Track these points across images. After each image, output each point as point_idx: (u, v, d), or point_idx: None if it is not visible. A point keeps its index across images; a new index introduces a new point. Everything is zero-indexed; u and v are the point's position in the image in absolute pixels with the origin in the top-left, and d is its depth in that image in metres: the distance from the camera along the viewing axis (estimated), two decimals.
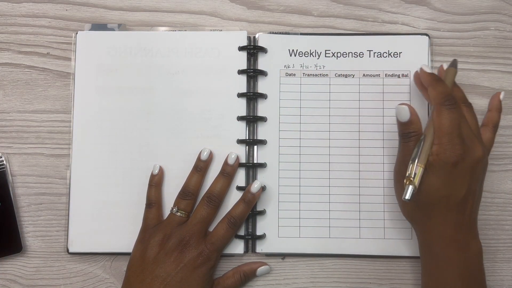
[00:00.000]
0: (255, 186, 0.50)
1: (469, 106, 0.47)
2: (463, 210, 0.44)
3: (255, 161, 0.52)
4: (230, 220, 0.49)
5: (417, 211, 0.46)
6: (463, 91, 0.48)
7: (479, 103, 0.54)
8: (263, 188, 0.51)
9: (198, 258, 0.47)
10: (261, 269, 0.51)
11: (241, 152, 0.52)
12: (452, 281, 0.44)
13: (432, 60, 0.54)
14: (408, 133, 0.45)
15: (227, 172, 0.51)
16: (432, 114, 0.45)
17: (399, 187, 0.46)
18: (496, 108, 0.50)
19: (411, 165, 0.43)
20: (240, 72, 0.53)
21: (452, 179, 0.43)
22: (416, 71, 0.49)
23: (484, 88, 0.54)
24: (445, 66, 0.49)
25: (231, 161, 0.51)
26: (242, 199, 0.50)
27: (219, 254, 0.49)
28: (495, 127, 0.49)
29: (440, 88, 0.45)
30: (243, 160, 0.52)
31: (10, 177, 0.53)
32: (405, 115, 0.45)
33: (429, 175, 0.43)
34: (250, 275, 0.51)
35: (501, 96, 0.50)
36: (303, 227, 0.52)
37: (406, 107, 0.45)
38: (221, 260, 0.52)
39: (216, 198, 0.50)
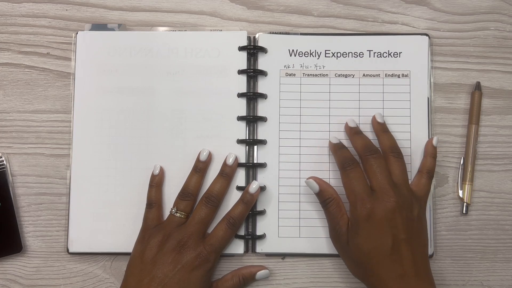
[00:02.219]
0: (253, 187, 0.50)
1: (398, 155, 0.48)
2: (400, 261, 0.44)
3: (255, 161, 0.52)
4: (229, 221, 0.49)
5: (358, 270, 0.46)
6: (394, 139, 0.50)
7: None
8: (262, 188, 0.51)
9: (196, 260, 0.47)
10: (260, 273, 0.51)
11: (241, 152, 0.52)
12: None
13: (432, 60, 0.54)
14: (325, 201, 0.48)
15: (226, 173, 0.51)
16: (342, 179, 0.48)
17: (339, 250, 0.48)
18: (430, 154, 0.51)
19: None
20: (240, 72, 0.53)
21: (371, 234, 0.44)
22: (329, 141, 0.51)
23: (484, 88, 0.54)
24: (377, 118, 0.51)
25: (229, 161, 0.51)
26: (241, 200, 0.50)
27: (218, 255, 0.49)
28: (429, 172, 0.50)
29: (341, 153, 0.49)
30: (243, 160, 0.52)
31: (10, 177, 0.53)
32: (315, 187, 0.48)
33: (351, 233, 0.45)
34: (249, 278, 0.51)
35: (434, 142, 0.51)
36: (303, 227, 0.52)
37: (311, 180, 0.49)
38: (221, 260, 0.52)
39: (214, 198, 0.50)
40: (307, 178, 0.49)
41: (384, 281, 0.44)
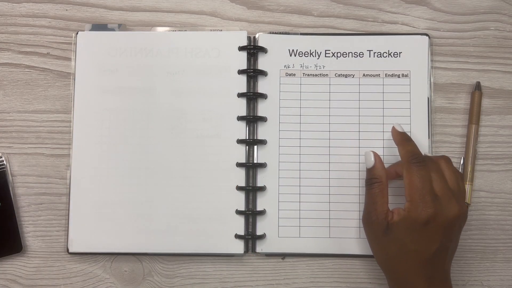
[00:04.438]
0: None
1: (448, 160, 0.47)
2: (435, 265, 0.44)
3: (255, 161, 0.52)
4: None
5: (388, 262, 0.45)
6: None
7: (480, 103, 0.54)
8: (262, 188, 0.51)
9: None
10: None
11: (241, 152, 0.52)
12: None
13: (432, 60, 0.54)
14: (371, 179, 0.46)
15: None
16: (403, 173, 0.45)
17: (370, 235, 0.46)
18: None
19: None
20: (240, 72, 0.53)
21: (422, 237, 0.43)
22: (392, 127, 0.48)
23: (484, 88, 0.54)
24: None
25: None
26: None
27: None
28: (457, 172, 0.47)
29: (408, 146, 0.46)
30: (243, 160, 0.52)
31: (10, 177, 0.53)
32: (370, 161, 0.47)
33: (399, 228, 0.44)
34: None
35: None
36: (303, 227, 0.52)
37: (371, 153, 0.47)
38: (220, 260, 0.52)
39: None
40: (368, 151, 0.47)
41: (412, 279, 0.43)
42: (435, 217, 0.43)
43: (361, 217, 0.50)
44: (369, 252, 0.51)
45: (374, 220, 0.45)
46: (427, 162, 0.45)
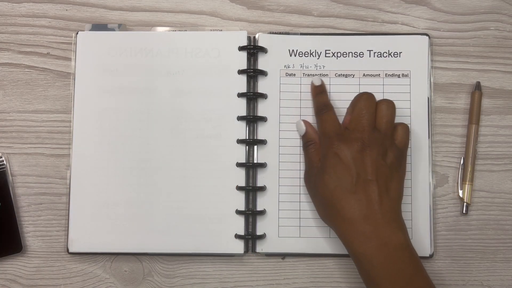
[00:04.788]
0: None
1: (389, 101, 0.48)
2: (365, 201, 0.44)
3: (255, 161, 0.52)
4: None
5: (326, 211, 0.47)
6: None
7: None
8: (262, 188, 0.51)
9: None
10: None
11: (241, 152, 0.52)
12: (379, 280, 0.43)
13: (432, 60, 0.54)
14: (306, 143, 0.51)
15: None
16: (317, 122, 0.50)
17: (310, 192, 0.50)
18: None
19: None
20: (240, 72, 0.53)
21: (337, 170, 0.45)
22: (311, 81, 0.53)
23: (484, 88, 0.54)
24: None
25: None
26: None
27: None
28: (389, 122, 0.48)
29: (317, 98, 0.52)
30: (243, 160, 0.52)
31: (10, 177, 0.53)
32: (302, 129, 0.51)
33: (320, 171, 0.47)
34: None
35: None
36: (303, 227, 0.52)
37: (301, 122, 0.51)
38: (220, 260, 0.52)
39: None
40: (298, 120, 0.52)
41: (349, 221, 0.44)
42: (340, 148, 0.46)
43: None
44: None
45: (310, 174, 0.49)
46: (354, 100, 0.49)
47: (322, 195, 0.46)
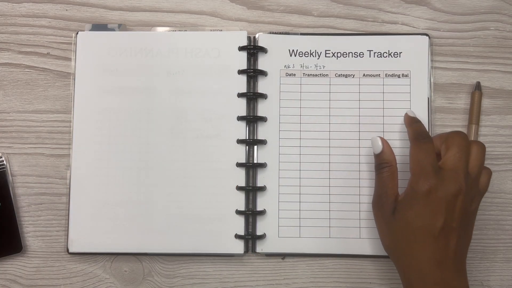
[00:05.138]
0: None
1: (481, 146, 0.46)
2: (444, 246, 0.43)
3: (255, 161, 0.52)
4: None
5: (396, 245, 0.45)
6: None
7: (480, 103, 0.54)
8: (262, 188, 0.51)
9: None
10: None
11: (241, 152, 0.52)
12: None
13: (432, 60, 0.54)
14: (381, 164, 0.47)
15: None
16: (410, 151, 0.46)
17: (379, 219, 0.46)
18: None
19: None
20: (240, 72, 0.53)
21: (425, 211, 0.43)
22: (405, 113, 0.50)
23: (484, 88, 0.54)
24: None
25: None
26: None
27: None
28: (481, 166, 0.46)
29: (415, 126, 0.48)
30: (243, 160, 0.52)
31: (10, 177, 0.53)
32: (378, 147, 0.47)
33: (404, 205, 0.44)
34: None
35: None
36: (303, 227, 0.52)
37: (378, 138, 0.47)
38: (220, 260, 0.52)
39: None
40: (375, 136, 0.48)
41: (420, 263, 0.43)
42: (436, 188, 0.43)
43: (361, 216, 0.51)
44: (369, 252, 0.51)
45: (384, 202, 0.45)
46: (448, 137, 0.45)
47: (400, 231, 0.44)
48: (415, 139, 0.46)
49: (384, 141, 0.47)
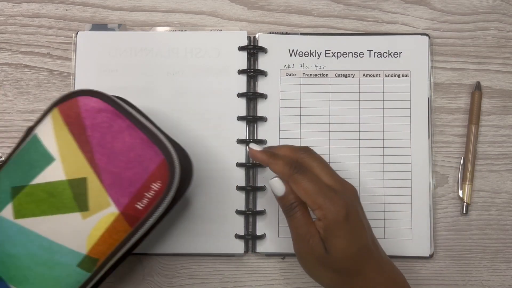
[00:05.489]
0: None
1: (309, 151, 0.44)
2: (377, 254, 0.42)
3: (255, 161, 0.52)
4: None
5: (344, 279, 0.41)
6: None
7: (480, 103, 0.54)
8: (261, 188, 0.51)
9: None
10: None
11: (241, 152, 0.52)
12: None
13: (432, 60, 0.54)
14: (290, 205, 0.42)
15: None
16: (292, 188, 0.42)
17: (313, 264, 0.42)
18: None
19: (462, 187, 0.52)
20: (240, 72, 0.53)
21: (353, 232, 0.40)
22: (249, 150, 0.46)
23: (484, 88, 0.54)
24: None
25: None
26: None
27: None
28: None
29: (280, 162, 0.43)
30: (243, 160, 0.52)
31: None
32: (280, 189, 0.42)
33: (330, 239, 0.40)
34: None
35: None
36: None
37: (278, 180, 0.42)
38: (220, 260, 0.52)
39: None
40: (271, 179, 0.43)
41: (372, 281, 0.41)
42: (347, 205, 0.40)
43: None
44: None
45: (312, 243, 0.41)
46: (301, 163, 0.42)
47: (341, 265, 0.41)
48: (291, 175, 0.41)
49: (281, 182, 0.42)
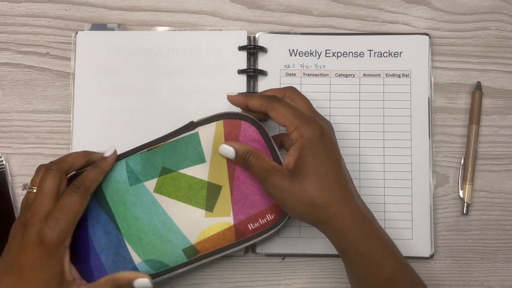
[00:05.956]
0: (108, 151, 0.46)
1: (294, 89, 0.47)
2: (348, 182, 0.44)
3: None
4: (76, 185, 0.43)
5: (314, 202, 0.42)
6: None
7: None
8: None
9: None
10: (139, 282, 0.43)
11: None
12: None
13: (432, 60, 0.54)
14: (244, 157, 0.44)
15: (100, 166, 0.45)
16: (271, 115, 0.44)
17: (280, 200, 0.43)
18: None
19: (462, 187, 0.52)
20: (240, 72, 0.53)
21: (327, 151, 0.43)
22: (228, 97, 0.47)
23: (485, 88, 0.54)
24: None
25: (107, 154, 0.46)
26: (95, 165, 0.45)
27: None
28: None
29: (256, 97, 0.45)
30: None
31: (9, 177, 0.53)
32: (230, 151, 0.45)
33: (308, 158, 0.42)
34: (124, 286, 0.43)
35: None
36: (303, 227, 0.52)
37: (224, 146, 0.45)
38: (220, 260, 0.52)
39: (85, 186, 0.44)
40: (221, 147, 0.45)
41: (342, 204, 0.42)
42: (322, 128, 0.43)
43: None
44: None
45: (272, 180, 0.42)
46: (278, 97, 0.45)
47: (312, 186, 0.42)
48: (269, 104, 0.44)
49: (229, 143, 0.45)
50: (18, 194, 0.53)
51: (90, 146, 0.52)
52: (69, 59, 0.55)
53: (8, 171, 0.53)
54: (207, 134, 0.47)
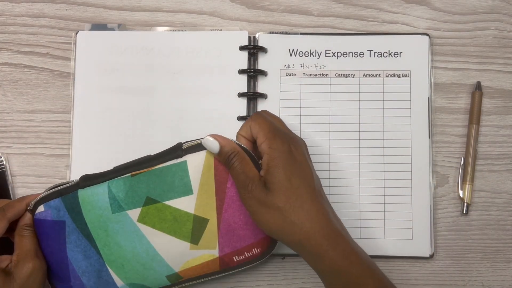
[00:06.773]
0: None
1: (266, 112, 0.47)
2: (323, 194, 0.43)
3: None
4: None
5: (284, 215, 0.41)
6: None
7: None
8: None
9: None
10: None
11: None
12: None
13: (432, 60, 0.54)
14: (228, 157, 0.43)
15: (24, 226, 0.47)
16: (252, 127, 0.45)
17: (256, 206, 0.42)
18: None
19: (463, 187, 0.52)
20: (241, 72, 0.53)
21: (296, 164, 0.42)
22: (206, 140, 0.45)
23: (485, 88, 0.54)
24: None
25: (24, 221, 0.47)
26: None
27: None
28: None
29: (230, 142, 0.44)
30: None
31: (10, 177, 0.53)
32: (215, 146, 0.43)
33: (274, 173, 0.41)
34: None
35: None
36: None
37: (209, 138, 0.44)
38: None
39: None
40: (205, 138, 0.44)
41: (315, 221, 0.41)
42: (294, 143, 0.43)
43: (361, 216, 0.51)
44: (369, 252, 0.51)
45: (252, 186, 0.42)
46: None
47: (284, 199, 0.41)
48: (249, 119, 0.45)
49: (216, 137, 0.44)
50: (18, 194, 0.53)
51: (90, 146, 0.52)
52: (69, 59, 0.55)
53: (8, 171, 0.53)
54: (195, 164, 0.44)
